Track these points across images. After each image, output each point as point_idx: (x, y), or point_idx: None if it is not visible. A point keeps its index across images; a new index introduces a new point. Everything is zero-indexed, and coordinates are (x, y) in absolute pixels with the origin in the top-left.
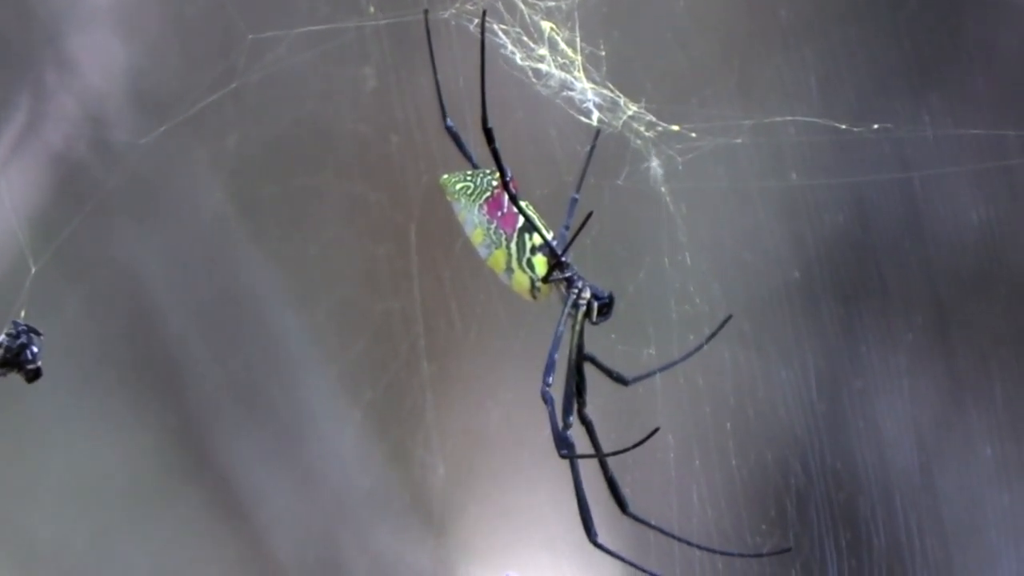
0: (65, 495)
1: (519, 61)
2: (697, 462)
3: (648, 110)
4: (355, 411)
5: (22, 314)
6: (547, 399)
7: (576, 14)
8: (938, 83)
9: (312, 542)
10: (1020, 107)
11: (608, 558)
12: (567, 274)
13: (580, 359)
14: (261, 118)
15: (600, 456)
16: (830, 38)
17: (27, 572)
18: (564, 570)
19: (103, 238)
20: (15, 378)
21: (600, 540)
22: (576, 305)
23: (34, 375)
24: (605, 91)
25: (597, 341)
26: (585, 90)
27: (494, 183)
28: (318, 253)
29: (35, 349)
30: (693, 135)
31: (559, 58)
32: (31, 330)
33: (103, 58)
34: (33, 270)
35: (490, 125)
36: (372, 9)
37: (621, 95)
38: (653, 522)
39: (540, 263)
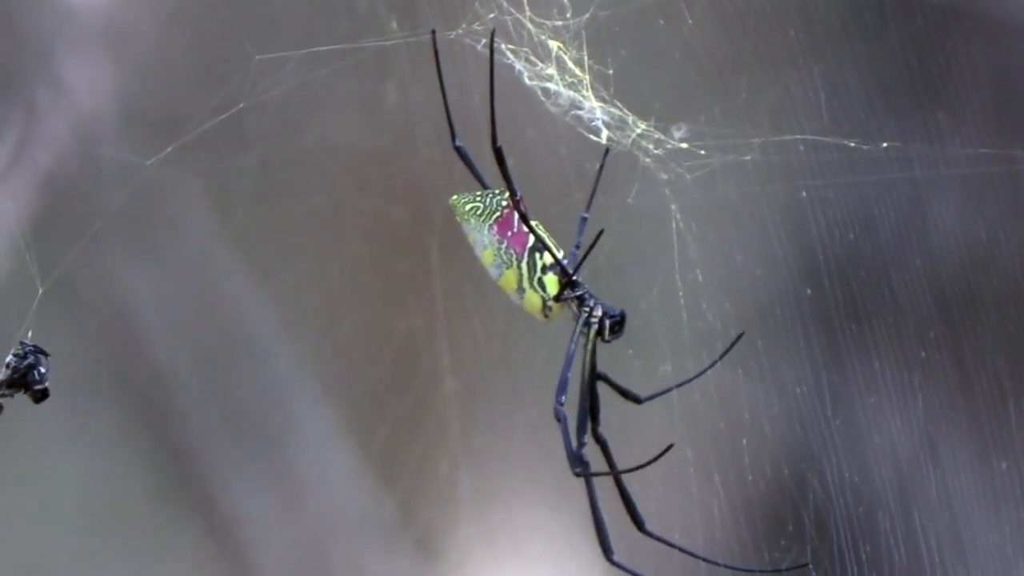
0: (49, 518)
1: (527, 80)
2: (716, 477)
3: (657, 128)
4: (381, 428)
5: (29, 335)
6: (560, 417)
7: (583, 33)
8: (946, 101)
9: (308, 563)
10: None
11: (642, 570)
12: (578, 293)
13: (593, 378)
14: (280, 136)
15: (615, 474)
16: (838, 56)
17: None
18: None
19: (105, 259)
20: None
21: (617, 558)
22: (588, 323)
23: (41, 395)
24: (614, 109)
25: (615, 357)
26: (594, 108)
27: (503, 203)
28: (341, 270)
29: (43, 370)
30: (702, 152)
31: (567, 77)
32: (38, 350)
33: (102, 80)
34: (40, 291)
35: (499, 144)
36: (395, 25)
37: (630, 113)
38: (671, 539)
39: (551, 282)
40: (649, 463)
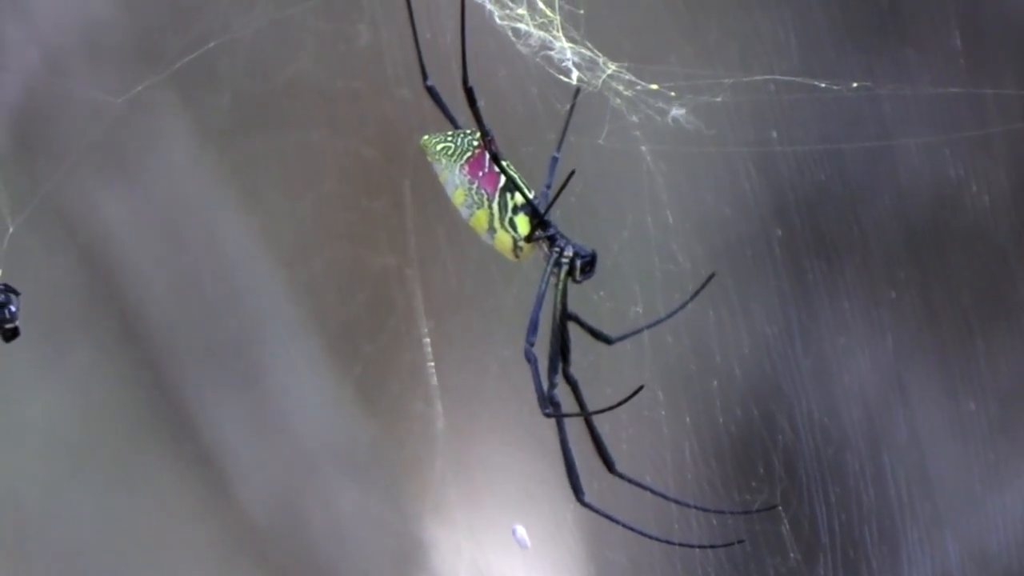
0: (20, 451)
1: (498, 21)
2: (687, 418)
3: (627, 69)
4: (355, 366)
5: None
6: (530, 358)
7: None
8: (915, 40)
9: (283, 497)
10: (997, 65)
11: (613, 512)
12: (549, 233)
13: (564, 318)
14: (252, 75)
15: (585, 415)
16: None
17: None
18: (568, 525)
19: (77, 196)
20: None
21: (587, 499)
22: (559, 263)
23: (12, 334)
24: (584, 50)
25: (585, 298)
26: (564, 49)
27: (475, 143)
28: (314, 210)
29: (13, 308)
30: (672, 94)
31: (538, 17)
32: (9, 289)
33: (70, 15)
34: (11, 229)
35: (471, 84)
36: None
37: (600, 54)
38: (642, 480)
39: (522, 222)
40: (620, 404)
